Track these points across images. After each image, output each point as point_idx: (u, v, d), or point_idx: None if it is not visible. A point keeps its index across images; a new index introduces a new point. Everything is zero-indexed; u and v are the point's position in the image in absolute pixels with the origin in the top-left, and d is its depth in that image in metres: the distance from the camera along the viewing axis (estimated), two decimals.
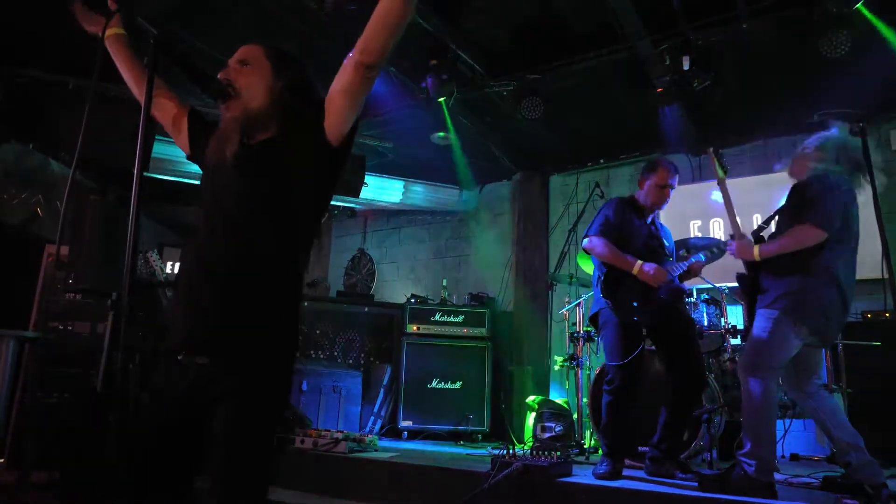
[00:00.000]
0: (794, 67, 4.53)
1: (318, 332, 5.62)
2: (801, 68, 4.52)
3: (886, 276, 3.17)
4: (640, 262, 3.14)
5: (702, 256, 3.27)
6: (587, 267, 4.33)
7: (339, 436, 3.75)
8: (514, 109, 5.29)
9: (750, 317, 2.85)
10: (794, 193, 2.83)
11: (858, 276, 4.65)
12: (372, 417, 5.29)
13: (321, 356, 5.59)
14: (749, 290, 2.85)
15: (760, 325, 2.69)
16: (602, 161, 6.36)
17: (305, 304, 5.70)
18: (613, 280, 3.19)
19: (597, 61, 4.72)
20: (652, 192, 3.35)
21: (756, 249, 2.77)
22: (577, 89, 5.08)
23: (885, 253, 3.30)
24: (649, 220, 3.42)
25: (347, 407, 5.09)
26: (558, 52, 4.75)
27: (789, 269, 2.69)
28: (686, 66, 4.53)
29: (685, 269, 3.23)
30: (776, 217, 2.96)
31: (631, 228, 3.30)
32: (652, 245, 3.32)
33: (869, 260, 4.72)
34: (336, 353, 5.67)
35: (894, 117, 4.97)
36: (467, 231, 7.20)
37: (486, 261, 6.92)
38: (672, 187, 3.35)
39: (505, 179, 6.99)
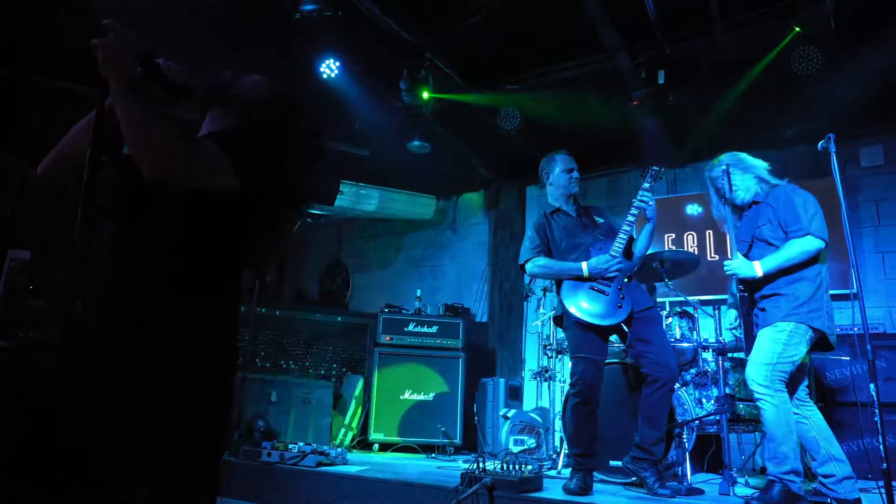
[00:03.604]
0: (769, 84, 4.58)
1: (288, 341, 5.51)
2: (774, 85, 4.57)
3: (854, 290, 3.18)
4: (583, 264, 3.13)
5: (627, 226, 3.16)
6: None
7: (307, 449, 3.65)
8: (491, 119, 5.28)
9: (748, 336, 2.84)
10: (767, 205, 2.85)
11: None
12: (343, 429, 5.19)
13: (292, 366, 5.48)
14: (748, 308, 2.86)
15: (776, 339, 2.67)
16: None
17: (277, 312, 5.60)
18: (570, 285, 3.17)
19: (573, 73, 4.75)
20: (561, 181, 3.38)
21: (758, 266, 2.77)
22: (555, 100, 5.08)
23: (854, 268, 3.32)
24: (574, 213, 3.40)
25: (318, 418, 4.98)
26: (536, 63, 4.76)
27: (794, 280, 2.72)
28: (661, 80, 4.57)
29: (626, 241, 3.17)
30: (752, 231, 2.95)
31: (560, 235, 3.31)
32: (578, 242, 3.28)
33: (838, 274, 4.81)
34: (308, 364, 5.56)
35: (863, 134, 5.05)
36: (444, 240, 7.15)
37: (462, 271, 6.89)
38: (575, 169, 3.40)
39: (482, 189, 6.97)
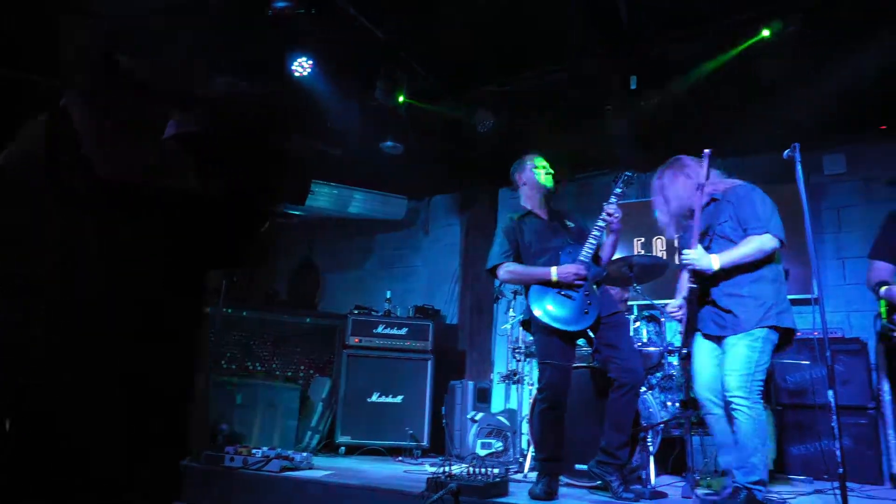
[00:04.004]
0: (736, 92, 4.65)
1: (255, 343, 5.42)
2: (741, 93, 4.64)
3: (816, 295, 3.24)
4: (552, 269, 3.12)
5: (596, 231, 3.17)
6: None
7: (272, 453, 3.59)
8: (466, 121, 5.28)
9: (690, 328, 2.84)
10: (728, 202, 2.84)
11: (791, 296, 4.82)
12: (309, 432, 5.12)
13: (259, 368, 5.39)
14: (694, 305, 2.84)
15: (752, 347, 2.64)
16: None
17: (245, 313, 5.50)
18: (538, 290, 3.17)
19: (548, 77, 4.76)
20: (535, 178, 3.36)
21: (716, 259, 2.72)
22: (529, 104, 5.10)
23: (816, 274, 3.38)
24: (545, 216, 3.39)
25: (284, 421, 4.92)
26: (512, 66, 4.76)
27: (755, 279, 2.72)
28: (633, 86, 4.62)
29: (595, 247, 3.17)
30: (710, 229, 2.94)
31: (530, 238, 3.29)
32: (548, 246, 3.27)
33: (800, 280, 4.91)
34: (275, 366, 5.48)
35: (826, 142, 5.15)
36: (416, 241, 7.12)
37: (433, 272, 6.87)
38: (546, 167, 3.38)
39: (455, 191, 6.96)
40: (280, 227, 6.91)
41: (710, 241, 2.86)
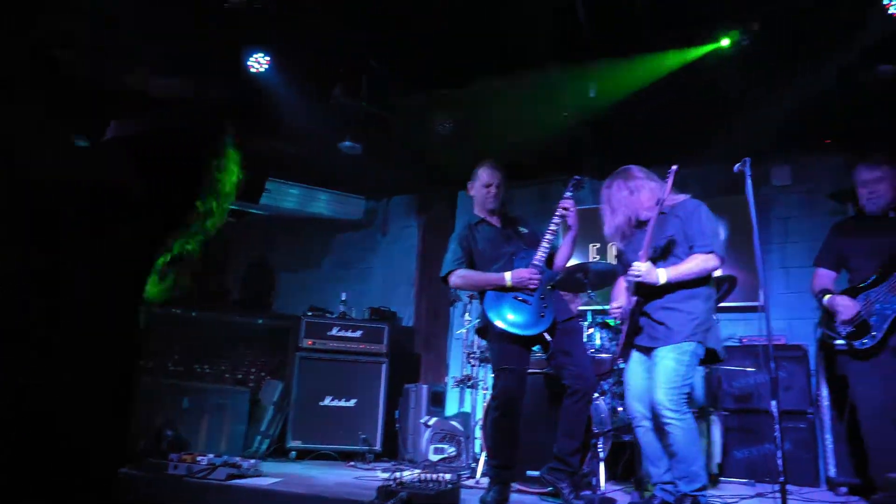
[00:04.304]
0: (692, 102, 4.74)
1: (204, 345, 5.26)
2: (697, 104, 4.74)
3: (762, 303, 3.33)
4: (506, 274, 3.12)
5: (549, 235, 3.18)
6: None
7: (218, 461, 3.48)
8: (424, 123, 5.25)
9: (629, 341, 2.87)
10: (675, 217, 2.87)
11: (738, 303, 4.98)
12: (259, 437, 5.00)
13: (207, 371, 5.24)
14: (636, 317, 2.87)
15: (680, 361, 2.67)
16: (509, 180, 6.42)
17: (194, 314, 5.34)
18: (493, 295, 3.16)
19: (507, 82, 4.77)
20: (479, 196, 3.40)
21: (663, 274, 2.73)
22: (488, 108, 5.10)
23: (763, 283, 3.48)
24: (498, 223, 3.41)
25: (233, 426, 4.79)
26: (471, 70, 4.75)
27: (691, 296, 2.75)
28: (592, 94, 4.67)
29: (548, 251, 3.18)
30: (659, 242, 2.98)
31: (484, 246, 3.30)
32: (501, 253, 3.28)
33: (747, 288, 5.06)
34: (224, 368, 5.33)
35: (775, 154, 5.30)
36: (373, 243, 7.05)
37: (390, 274, 6.81)
38: (500, 185, 3.38)
39: (413, 193, 6.92)
40: (232, 226, 6.73)
41: (654, 253, 2.86)
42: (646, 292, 2.80)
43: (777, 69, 4.23)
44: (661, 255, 2.84)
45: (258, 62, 4.55)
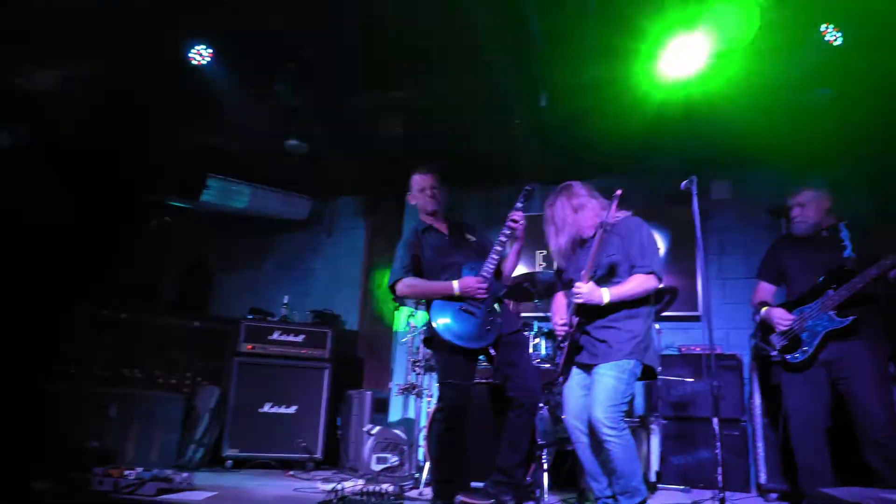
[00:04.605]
0: (639, 115, 4.82)
1: (134, 348, 5.00)
2: (644, 117, 4.82)
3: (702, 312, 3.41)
4: (454, 283, 3.09)
5: (499, 246, 3.14)
6: None
7: (146, 475, 3.29)
8: (372, 123, 5.15)
9: (569, 361, 2.88)
10: (616, 235, 2.87)
11: (678, 313, 5.10)
12: (193, 446, 4.78)
13: (138, 376, 4.97)
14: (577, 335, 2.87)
15: (619, 378, 2.68)
16: (456, 185, 6.39)
17: (124, 315, 5.06)
18: (440, 305, 3.12)
19: (458, 87, 4.73)
20: (419, 201, 3.37)
21: (605, 294, 2.73)
22: (437, 111, 5.05)
23: (704, 292, 3.57)
24: (446, 230, 3.38)
25: (165, 435, 4.56)
26: (421, 73, 4.68)
27: (632, 315, 2.77)
28: (543, 103, 4.69)
29: (497, 261, 3.16)
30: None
31: (431, 254, 3.26)
32: (449, 262, 3.23)
33: (687, 298, 5.20)
34: (157, 373, 5.08)
35: (717, 168, 5.48)
36: (318, 243, 6.89)
37: (335, 276, 6.67)
38: (434, 186, 3.35)
39: (360, 194, 6.80)
40: (169, 224, 6.44)
41: (595, 272, 2.86)
42: (587, 312, 2.80)
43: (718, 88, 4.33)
44: (603, 275, 2.84)
45: (200, 55, 4.34)
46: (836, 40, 3.66)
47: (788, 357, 3.30)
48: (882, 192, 4.95)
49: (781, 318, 3.33)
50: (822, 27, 3.62)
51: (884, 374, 3.19)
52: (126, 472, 3.34)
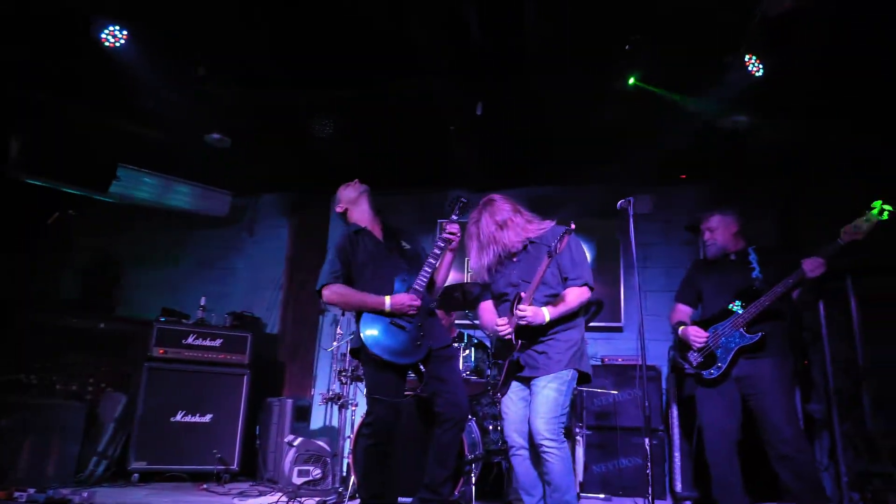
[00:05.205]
0: (579, 128, 4.90)
1: (29, 351, 4.57)
2: (585, 129, 4.91)
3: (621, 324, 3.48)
4: (386, 298, 3.00)
5: (432, 259, 3.08)
6: None
7: (40, 497, 3.00)
8: (302, 120, 4.95)
9: (510, 377, 2.87)
10: (546, 247, 2.85)
11: (602, 324, 5.24)
12: (95, 458, 4.42)
13: (34, 382, 4.55)
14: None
15: (559, 390, 2.69)
16: (386, 189, 6.28)
17: (17, 315, 4.62)
18: (370, 317, 3.02)
19: (394, 90, 4.63)
20: (354, 208, 3.32)
21: (546, 312, 2.73)
22: (372, 114, 4.93)
23: (637, 306, 3.65)
24: (381, 236, 3.30)
25: (64, 447, 4.19)
26: (357, 74, 4.54)
27: (569, 327, 2.80)
28: (479, 111, 4.67)
29: (430, 274, 3.08)
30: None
31: (364, 259, 3.16)
32: (384, 271, 3.14)
33: (610, 309, 5.35)
34: (55, 379, 4.67)
35: (640, 184, 5.65)
36: (238, 241, 6.57)
37: (256, 276, 6.38)
38: (364, 191, 3.33)
39: (285, 191, 6.55)
40: (73, 217, 5.93)
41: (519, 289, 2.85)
42: (530, 332, 2.79)
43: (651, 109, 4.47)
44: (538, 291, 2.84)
45: (113, 36, 4.02)
46: (757, 71, 3.86)
47: (704, 373, 3.43)
48: (787, 216, 5.29)
49: (696, 335, 3.46)
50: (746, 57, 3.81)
51: (789, 389, 3.39)
52: (16, 494, 3.03)
